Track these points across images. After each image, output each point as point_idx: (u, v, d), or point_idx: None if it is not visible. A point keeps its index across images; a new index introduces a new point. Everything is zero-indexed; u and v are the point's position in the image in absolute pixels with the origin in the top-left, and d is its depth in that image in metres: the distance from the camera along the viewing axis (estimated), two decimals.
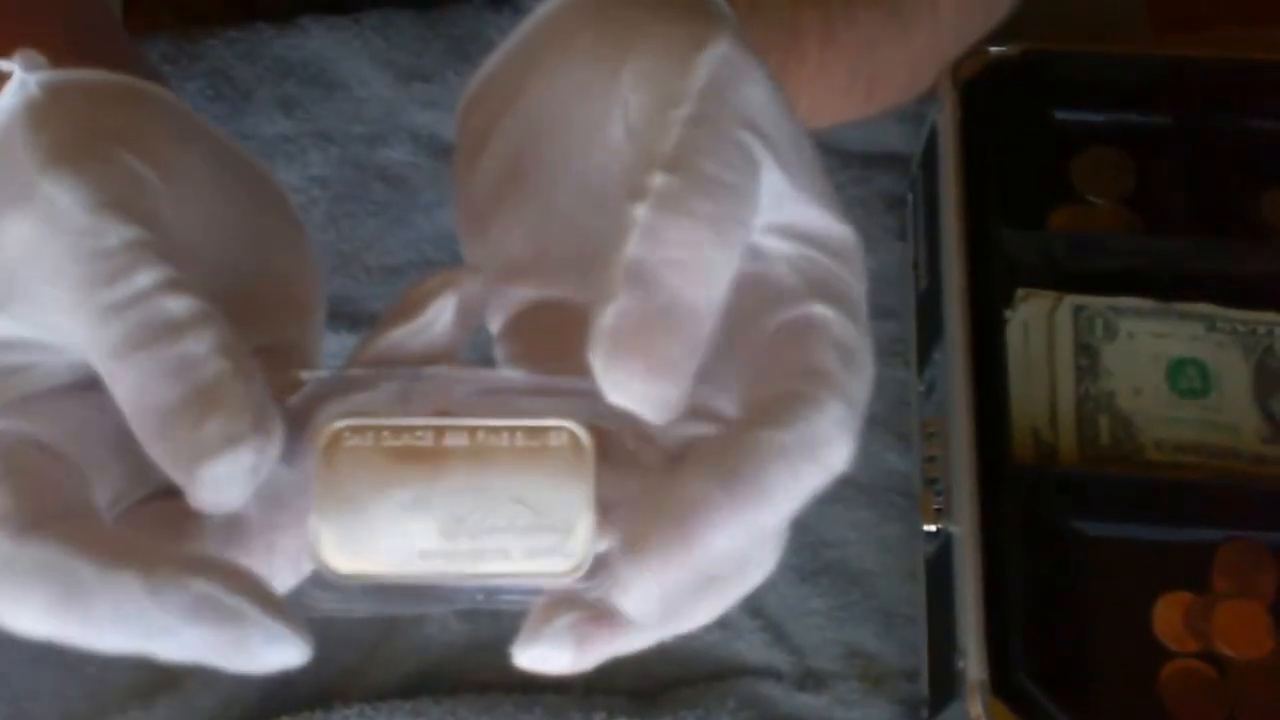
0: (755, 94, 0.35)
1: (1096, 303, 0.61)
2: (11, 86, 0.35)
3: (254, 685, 0.58)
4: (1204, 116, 0.65)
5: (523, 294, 0.38)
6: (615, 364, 0.32)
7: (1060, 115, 0.65)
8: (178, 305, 0.33)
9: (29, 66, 0.35)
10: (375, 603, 0.34)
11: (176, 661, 0.32)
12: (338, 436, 0.33)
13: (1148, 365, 0.60)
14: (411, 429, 0.33)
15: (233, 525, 0.34)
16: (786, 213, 0.35)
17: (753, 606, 0.60)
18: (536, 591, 0.33)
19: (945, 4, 0.60)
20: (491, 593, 0.33)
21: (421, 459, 0.33)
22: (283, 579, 0.35)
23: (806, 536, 0.61)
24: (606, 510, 0.33)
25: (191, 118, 0.38)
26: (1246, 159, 0.64)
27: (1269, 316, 0.61)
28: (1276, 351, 0.60)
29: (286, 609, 0.32)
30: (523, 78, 0.38)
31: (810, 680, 0.59)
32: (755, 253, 0.35)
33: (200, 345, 0.32)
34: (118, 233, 0.33)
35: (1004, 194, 0.61)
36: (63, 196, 0.33)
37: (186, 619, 0.31)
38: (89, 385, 0.34)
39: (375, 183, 0.67)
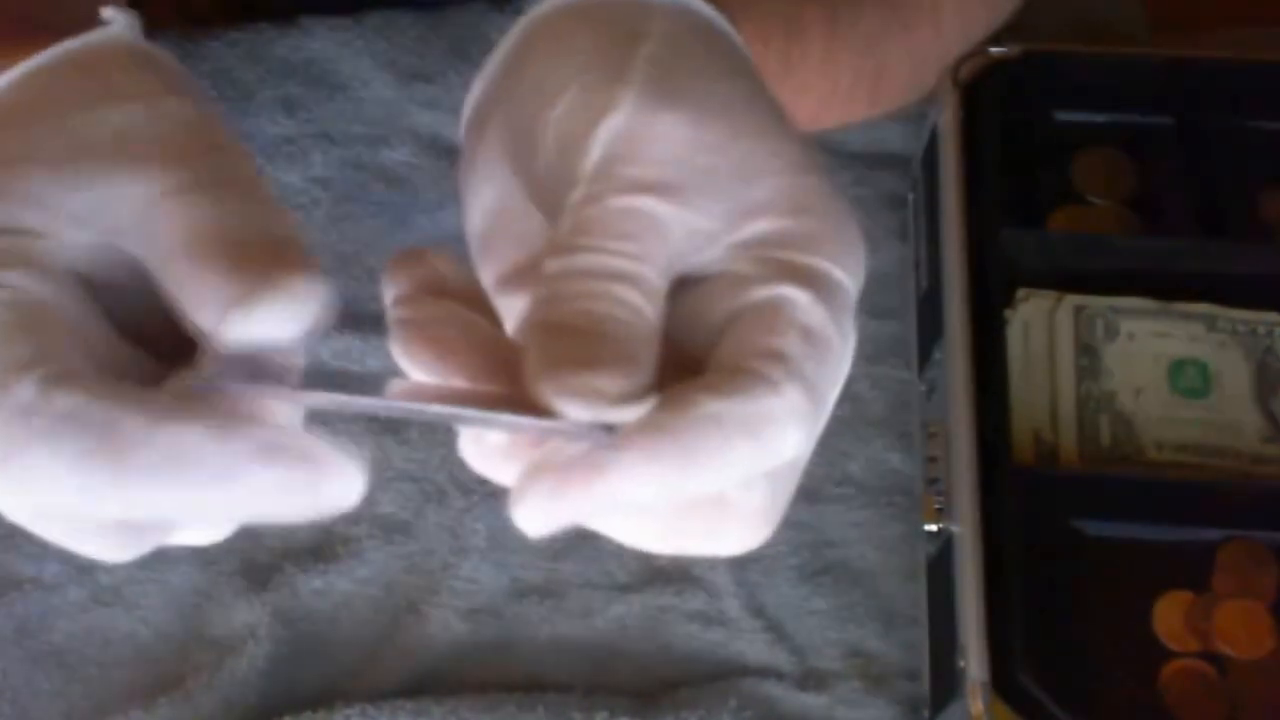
0: (658, 150, 0.35)
1: (1097, 303, 0.61)
2: (108, 29, 0.39)
3: (255, 686, 0.58)
4: (1204, 116, 0.65)
5: (522, 303, 0.38)
6: (548, 370, 0.32)
7: (1060, 116, 0.65)
8: (268, 190, 0.35)
9: (130, 23, 0.39)
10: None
11: (225, 515, 0.33)
12: None
13: (1148, 365, 0.60)
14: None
15: None
16: (726, 239, 0.35)
17: (754, 606, 0.60)
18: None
19: (947, 5, 0.60)
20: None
21: None
22: None
23: (808, 536, 0.61)
24: None
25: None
26: (1246, 159, 0.64)
27: (1269, 316, 0.61)
28: (1277, 351, 0.60)
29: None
30: (489, 112, 0.40)
31: (811, 680, 0.59)
32: (716, 260, 0.35)
33: (286, 219, 0.34)
34: (222, 131, 0.36)
35: (1004, 194, 0.61)
36: (179, 106, 0.36)
37: (258, 461, 0.31)
38: (84, 289, 0.34)
39: (376, 183, 0.67)
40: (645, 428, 0.32)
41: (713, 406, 0.32)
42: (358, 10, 0.70)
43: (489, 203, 0.39)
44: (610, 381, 0.32)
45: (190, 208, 0.34)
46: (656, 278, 0.34)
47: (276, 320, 0.32)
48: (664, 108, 0.35)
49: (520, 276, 0.39)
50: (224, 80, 0.68)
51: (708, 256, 0.35)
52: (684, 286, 0.35)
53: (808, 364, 0.33)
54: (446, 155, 0.67)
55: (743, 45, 0.39)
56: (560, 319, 0.33)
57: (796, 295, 0.34)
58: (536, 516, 0.32)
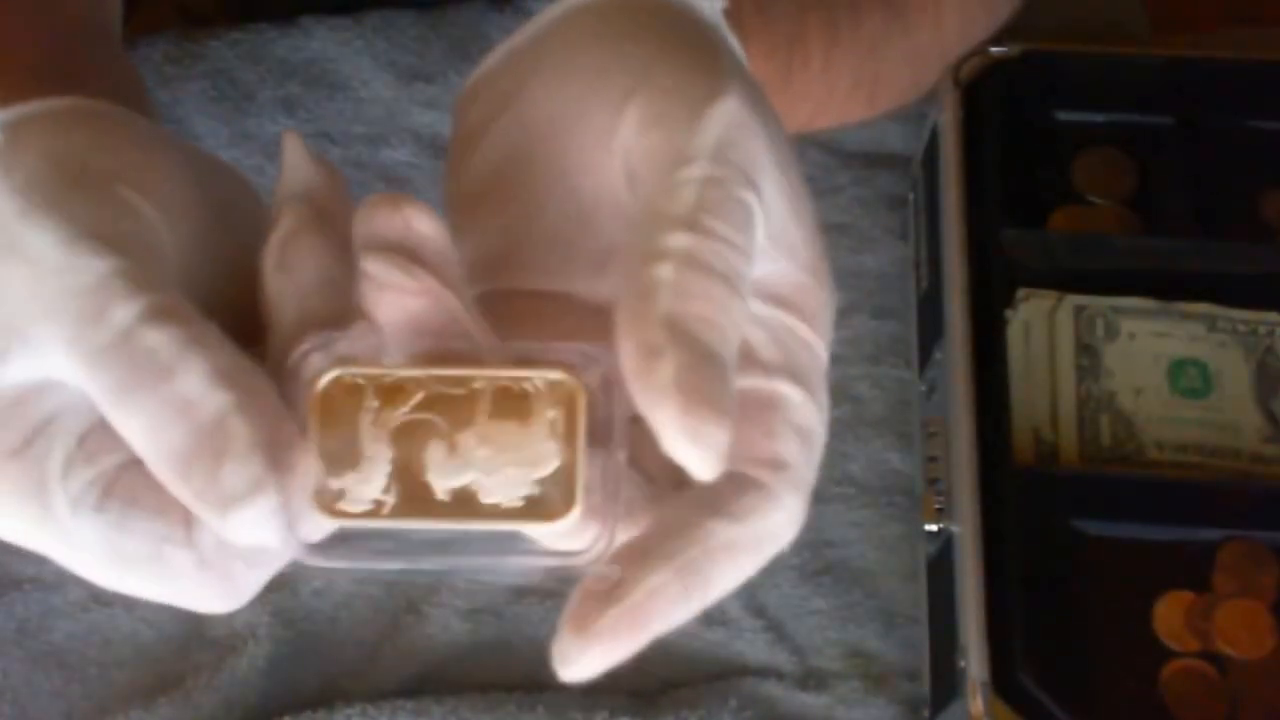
0: (758, 150, 0.34)
1: (1097, 303, 0.61)
2: None
3: (255, 686, 0.58)
4: (1204, 116, 0.65)
5: (496, 284, 0.38)
6: (689, 414, 0.31)
7: (1061, 116, 0.65)
8: (160, 338, 0.32)
9: None
10: (365, 560, 0.34)
11: None
12: (329, 388, 0.33)
13: (1149, 365, 0.60)
14: (398, 379, 0.33)
15: None
16: (763, 267, 0.35)
17: (754, 606, 0.60)
18: (517, 539, 0.33)
19: (947, 7, 0.60)
20: (475, 544, 0.33)
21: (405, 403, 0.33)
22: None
23: (808, 536, 0.61)
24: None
25: (152, 128, 0.38)
26: (1246, 159, 0.64)
27: (1270, 316, 0.61)
28: (1277, 351, 0.60)
29: None
30: (523, 81, 0.38)
31: (812, 680, 0.59)
32: None
33: (193, 379, 0.32)
34: (91, 267, 0.32)
35: (1005, 194, 0.61)
36: (39, 240, 0.33)
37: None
38: None
39: (377, 183, 0.67)
40: (681, 572, 0.33)
41: (726, 535, 0.33)
42: (358, 10, 0.70)
43: (483, 176, 0.38)
44: (725, 435, 0.32)
45: (111, 421, 0.33)
46: (749, 289, 0.34)
47: (263, 528, 0.32)
48: (757, 110, 0.35)
49: (497, 265, 0.38)
50: (224, 80, 0.68)
51: None
52: None
53: (803, 468, 0.35)
54: (446, 155, 0.67)
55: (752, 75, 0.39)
56: (686, 320, 0.32)
57: (794, 395, 0.35)
58: (587, 672, 0.33)
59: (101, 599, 0.59)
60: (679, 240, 0.33)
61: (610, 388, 0.33)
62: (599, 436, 0.33)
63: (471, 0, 0.70)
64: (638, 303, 0.32)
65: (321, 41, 0.69)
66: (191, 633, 0.59)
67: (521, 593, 0.60)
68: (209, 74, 0.68)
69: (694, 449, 0.31)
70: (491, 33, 0.69)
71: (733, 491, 0.34)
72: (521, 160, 0.38)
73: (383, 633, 0.59)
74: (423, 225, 0.34)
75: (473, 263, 0.38)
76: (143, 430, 0.32)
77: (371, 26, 0.69)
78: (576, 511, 0.33)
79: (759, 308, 0.35)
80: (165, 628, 0.59)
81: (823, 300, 0.36)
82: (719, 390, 0.32)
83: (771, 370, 0.35)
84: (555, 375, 0.33)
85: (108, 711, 0.57)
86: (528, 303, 0.37)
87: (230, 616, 0.59)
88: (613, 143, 0.36)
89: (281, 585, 0.59)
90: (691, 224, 0.33)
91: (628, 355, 0.32)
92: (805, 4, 0.54)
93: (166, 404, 0.32)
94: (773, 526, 0.34)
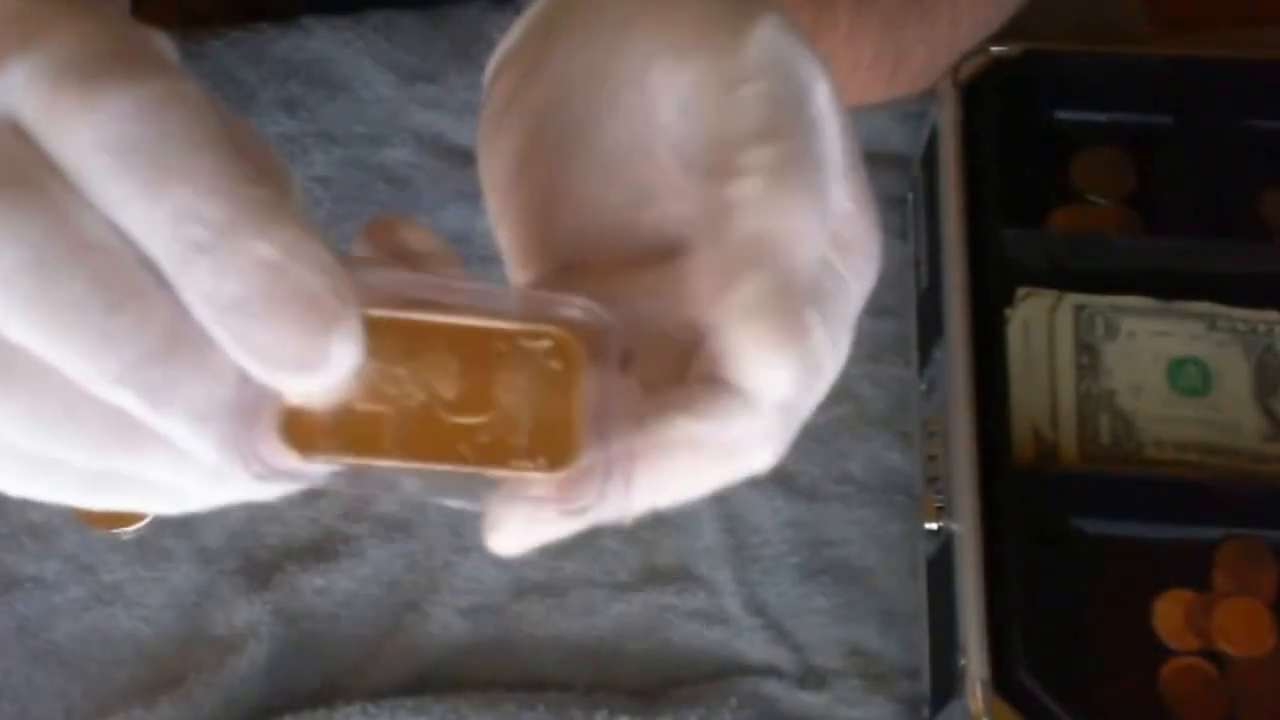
0: (809, 68, 0.34)
1: (1097, 302, 0.61)
2: None
3: (256, 685, 0.58)
4: (1204, 116, 0.65)
5: (543, 261, 0.37)
6: (767, 339, 0.31)
7: (1061, 115, 0.65)
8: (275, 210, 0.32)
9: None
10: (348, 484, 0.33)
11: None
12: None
13: (1148, 364, 0.60)
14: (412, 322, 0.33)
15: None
16: None
17: (754, 605, 0.60)
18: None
19: None
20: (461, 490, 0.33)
21: (419, 353, 0.33)
22: None
23: (807, 535, 0.61)
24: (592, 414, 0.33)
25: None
26: (1246, 159, 0.64)
27: (1269, 315, 0.61)
28: (1277, 350, 0.60)
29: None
30: (548, 44, 0.37)
31: (812, 678, 0.59)
32: None
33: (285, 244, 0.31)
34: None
35: (1004, 194, 0.61)
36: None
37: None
38: None
39: (378, 183, 0.67)
40: (626, 455, 0.32)
41: (689, 429, 0.32)
42: (359, 10, 0.70)
43: (517, 147, 0.37)
44: (801, 357, 0.32)
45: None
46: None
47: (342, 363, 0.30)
48: (797, 32, 0.34)
49: (541, 240, 0.37)
50: (225, 80, 0.68)
51: None
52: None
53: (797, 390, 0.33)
54: (448, 155, 0.67)
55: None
56: (771, 237, 0.31)
57: (811, 321, 0.33)
58: (510, 543, 0.32)
59: (102, 598, 0.59)
60: (761, 154, 0.32)
61: (610, 343, 0.33)
62: (598, 386, 0.33)
63: (472, 0, 0.70)
64: (717, 223, 0.31)
65: (322, 41, 0.69)
66: (192, 631, 0.59)
67: (522, 591, 0.60)
68: (210, 74, 0.68)
69: (770, 373, 0.31)
70: (492, 33, 0.69)
71: (709, 394, 0.32)
72: (554, 119, 0.37)
73: (383, 631, 0.59)
74: (414, 238, 0.34)
75: (517, 244, 0.38)
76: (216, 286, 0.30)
77: (373, 26, 0.69)
78: (577, 462, 0.32)
79: None
80: (166, 626, 0.59)
81: (862, 231, 0.35)
82: (799, 309, 0.31)
83: None
84: (558, 330, 0.33)
85: (108, 710, 0.57)
86: (566, 278, 0.37)
87: (231, 615, 0.59)
88: (646, 80, 0.35)
89: (282, 584, 0.59)
90: (771, 135, 0.32)
91: (706, 278, 0.31)
92: None
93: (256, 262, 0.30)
94: (744, 435, 0.32)
